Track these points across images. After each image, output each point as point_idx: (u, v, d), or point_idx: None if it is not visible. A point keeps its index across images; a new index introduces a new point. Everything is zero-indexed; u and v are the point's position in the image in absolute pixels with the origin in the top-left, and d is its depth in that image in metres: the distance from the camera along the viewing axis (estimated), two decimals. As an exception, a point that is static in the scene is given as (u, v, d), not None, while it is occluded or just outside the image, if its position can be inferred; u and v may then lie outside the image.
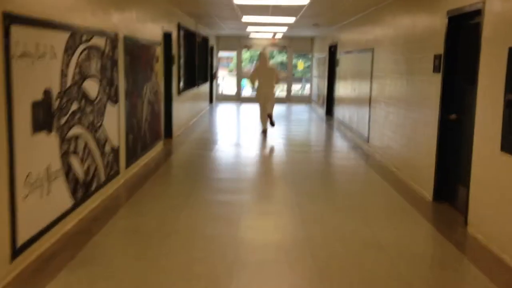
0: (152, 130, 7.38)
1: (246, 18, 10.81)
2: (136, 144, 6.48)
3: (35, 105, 3.52)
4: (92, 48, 4.68)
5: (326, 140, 10.39)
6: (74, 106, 4.26)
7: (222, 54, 22.51)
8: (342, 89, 11.48)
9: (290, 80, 18.60)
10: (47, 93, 3.70)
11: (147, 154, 7.07)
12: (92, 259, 3.55)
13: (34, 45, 3.47)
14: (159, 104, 7.93)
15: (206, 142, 9.25)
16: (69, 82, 4.12)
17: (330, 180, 6.28)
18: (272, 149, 8.65)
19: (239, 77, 18.46)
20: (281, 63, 23.64)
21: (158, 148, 7.87)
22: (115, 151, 5.51)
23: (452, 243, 4.06)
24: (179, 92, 9.91)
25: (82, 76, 4.44)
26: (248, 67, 18.20)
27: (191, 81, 12.22)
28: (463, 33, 4.90)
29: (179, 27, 9.68)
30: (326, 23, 11.52)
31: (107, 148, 5.21)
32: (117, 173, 5.59)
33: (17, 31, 3.22)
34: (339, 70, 11.93)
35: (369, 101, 8.47)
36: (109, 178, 5.31)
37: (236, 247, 3.85)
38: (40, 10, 3.64)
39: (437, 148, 5.21)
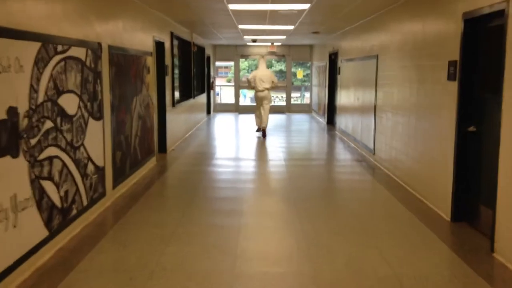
0: (143, 145, 6.89)
1: (242, 27, 10.37)
2: (125, 162, 5.98)
3: (-4, 126, 3.03)
4: (70, 59, 4.20)
5: (329, 151, 9.89)
6: (48, 125, 3.77)
7: (219, 64, 22.13)
8: (344, 98, 11.01)
9: (289, 89, 18.15)
10: (11, 111, 3.21)
11: (137, 172, 6.57)
12: (65, 304, 3.04)
13: (-6, 56, 3.00)
14: (151, 117, 7.45)
15: (202, 156, 8.76)
16: (41, 98, 3.63)
17: (336, 200, 5.76)
18: (271, 164, 8.14)
19: (237, 87, 18.00)
20: (280, 72, 23.21)
21: (150, 164, 7.37)
22: (100, 171, 5.02)
23: (479, 274, 3.55)
24: (174, 104, 9.43)
25: (58, 90, 3.96)
26: (246, 76, 17.76)
27: (187, 92, 11.75)
28: (482, 37, 4.42)
29: (172, 36, 9.23)
30: (326, 31, 11.07)
31: (90, 169, 4.71)
32: (102, 195, 5.08)
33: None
34: (341, 78, 11.46)
35: (374, 110, 7.99)
36: (93, 201, 4.80)
37: (232, 284, 3.34)
38: (3, 18, 3.16)
39: (454, 163, 4.72)
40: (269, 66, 20.72)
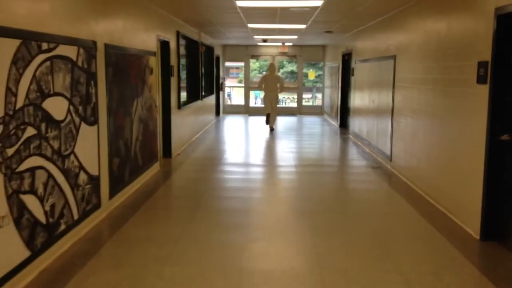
0: (145, 151, 6.48)
1: (252, 26, 9.93)
2: (124, 169, 5.57)
3: (-38, 135, 2.63)
4: (58, 59, 3.80)
5: (342, 157, 9.40)
6: (30, 132, 3.36)
7: (230, 64, 21.68)
8: (358, 100, 10.51)
9: (301, 90, 17.66)
10: (-18, 118, 2.80)
11: (138, 179, 6.16)
12: None
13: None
14: (154, 120, 7.04)
15: (209, 161, 8.32)
16: (20, 102, 3.22)
17: (351, 213, 5.27)
18: (281, 170, 7.69)
19: (247, 88, 17.56)
20: (291, 73, 22.74)
21: (153, 170, 6.96)
22: (94, 180, 4.61)
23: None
24: (180, 106, 9.02)
25: (43, 93, 3.55)
26: (258, 77, 17.30)
27: (194, 94, 11.34)
28: (519, 34, 3.93)
29: (179, 35, 8.82)
30: (339, 30, 10.59)
31: (82, 179, 4.30)
32: (96, 206, 4.67)
33: None
34: (355, 79, 10.97)
35: (391, 114, 7.49)
36: (86, 214, 4.39)
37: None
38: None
39: (484, 175, 4.23)
40: (280, 66, 20.21)
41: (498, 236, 4.20)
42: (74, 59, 4.13)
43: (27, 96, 3.31)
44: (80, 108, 4.26)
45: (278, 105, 12.79)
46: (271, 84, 12.31)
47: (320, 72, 18.55)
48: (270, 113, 12.27)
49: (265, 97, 12.52)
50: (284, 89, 12.98)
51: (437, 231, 4.57)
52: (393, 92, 7.43)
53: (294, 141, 10.94)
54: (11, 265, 3.16)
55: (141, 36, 6.38)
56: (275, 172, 7.62)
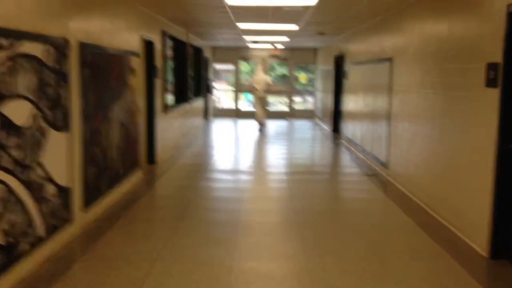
0: (126, 157, 6.05)
1: (242, 26, 9.54)
2: (101, 179, 5.14)
3: None
4: (20, 57, 3.37)
5: (335, 164, 9.03)
6: (-16, 140, 2.94)
7: (220, 66, 21.25)
8: (352, 104, 10.16)
9: (292, 94, 17.29)
10: None
11: (118, 189, 5.73)
12: None
13: None
14: (137, 125, 6.61)
15: (195, 168, 7.91)
16: (-29, 105, 2.80)
17: (347, 226, 4.88)
18: (272, 179, 7.30)
19: (237, 91, 17.15)
20: (283, 76, 22.39)
21: (135, 178, 6.53)
22: (65, 192, 4.18)
23: None
24: (165, 109, 8.60)
25: (2, 96, 3.13)
26: (247, 81, 16.89)
27: (182, 97, 10.92)
28: (533, 33, 3.59)
29: (164, 35, 8.40)
30: (332, 31, 10.24)
31: (50, 192, 3.87)
32: (67, 221, 4.24)
33: None
34: (348, 83, 10.62)
35: (388, 119, 7.14)
36: (54, 230, 3.96)
37: None
38: None
39: (493, 187, 3.87)
40: (271, 69, 19.85)
41: (509, 254, 3.84)
42: (42, 58, 3.71)
43: (-20, 99, 2.89)
44: (49, 112, 3.84)
45: (269, 109, 13.76)
46: (260, 84, 12.96)
47: (312, 75, 18.22)
48: (261, 111, 12.97)
49: (255, 96, 13.16)
50: (271, 86, 13.60)
51: (439, 246, 4.20)
52: (390, 97, 7.08)
53: (285, 146, 10.57)
54: (-41, 295, 2.74)
55: (123, 35, 5.96)
56: (265, 180, 7.22)
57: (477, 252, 4.06)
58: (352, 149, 9.78)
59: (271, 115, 16.86)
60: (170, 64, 10.14)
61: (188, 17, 8.38)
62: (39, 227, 3.69)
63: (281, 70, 23.14)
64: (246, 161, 8.90)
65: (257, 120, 13.07)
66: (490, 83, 3.91)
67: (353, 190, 6.61)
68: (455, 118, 4.67)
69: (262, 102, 13.09)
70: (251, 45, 15.39)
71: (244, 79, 18.15)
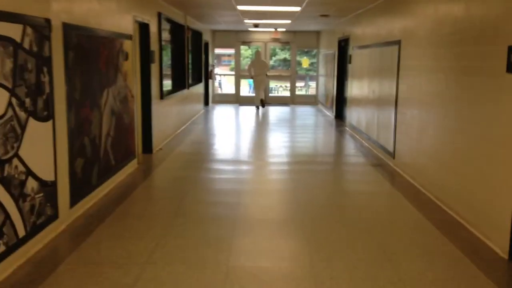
0: (119, 147, 5.71)
1: (242, 8, 9.12)
2: (91, 171, 4.81)
3: None
4: (-9, 38, 3.01)
5: (339, 152, 8.68)
6: None
7: (222, 51, 20.80)
8: (356, 89, 9.77)
9: (294, 79, 16.87)
10: None
11: (110, 181, 5.40)
12: None
13: None
14: (131, 112, 6.25)
15: (193, 157, 7.57)
16: None
17: (354, 223, 4.50)
18: (273, 169, 6.96)
19: (238, 76, 16.73)
20: (284, 60, 21.93)
21: (129, 169, 6.20)
22: (49, 187, 3.84)
23: None
24: (162, 95, 8.23)
25: (-32, 83, 2.78)
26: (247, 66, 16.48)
27: (180, 82, 10.55)
28: None
29: (160, 17, 8.00)
30: (336, 13, 9.81)
31: (31, 187, 3.54)
32: (53, 218, 3.92)
33: None
34: (352, 67, 10.22)
35: (395, 106, 6.77)
36: (36, 229, 3.64)
37: None
38: None
39: (516, 183, 3.53)
40: (273, 54, 19.41)
41: (531, 256, 3.52)
42: (18, 40, 3.34)
43: None
44: (27, 100, 3.48)
45: (270, 95, 15.18)
46: (259, 69, 14.23)
47: (314, 60, 17.78)
48: (260, 93, 14.44)
49: (254, 81, 14.51)
50: (268, 70, 15.05)
51: (454, 246, 3.87)
52: (397, 82, 6.70)
53: (287, 134, 10.20)
54: None
55: (113, 16, 5.58)
56: (266, 171, 6.88)
57: (497, 254, 3.73)
58: (357, 136, 9.42)
59: (272, 101, 16.49)
60: (168, 48, 9.75)
61: (185, -2, 7.97)
62: (19, 226, 3.37)
63: (283, 54, 22.68)
64: (246, 150, 8.56)
65: (255, 101, 14.51)
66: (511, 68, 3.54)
67: (359, 182, 6.26)
68: (472, 106, 4.30)
69: (262, 85, 14.42)
70: (252, 29, 14.96)
71: (246, 64, 17.80)
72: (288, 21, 12.06)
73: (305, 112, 14.26)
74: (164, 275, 3.28)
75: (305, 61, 18.28)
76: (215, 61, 18.32)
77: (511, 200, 3.57)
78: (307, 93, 18.75)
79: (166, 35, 9.38)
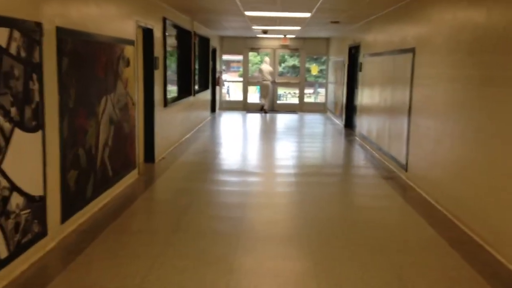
0: (117, 157, 5.46)
1: (250, 13, 8.87)
2: (85, 183, 4.55)
3: None
4: (-29, 43, 2.77)
5: (348, 163, 8.37)
6: None
7: (231, 58, 20.55)
8: (367, 98, 9.46)
9: (303, 86, 16.58)
10: None
11: (107, 193, 5.14)
12: None
13: None
14: (132, 120, 6.00)
15: (197, 168, 7.29)
16: None
17: (364, 241, 4.20)
18: (280, 181, 6.66)
19: (246, 83, 16.47)
20: (293, 67, 21.66)
21: (128, 180, 5.94)
22: (37, 203, 3.58)
23: None
24: (166, 103, 7.98)
25: None
26: (256, 72, 16.23)
27: (186, 89, 10.31)
28: None
29: (165, 23, 7.76)
30: (347, 20, 9.52)
31: (15, 203, 3.28)
32: (40, 236, 3.65)
33: None
34: (363, 75, 9.91)
35: (408, 116, 6.46)
36: (22, 248, 3.38)
37: None
38: None
39: (544, 206, 3.20)
40: (282, 61, 19.20)
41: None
42: (3, 45, 3.10)
43: None
44: (13, 110, 3.23)
45: (278, 101, 16.10)
46: (266, 75, 15.16)
47: (323, 67, 17.49)
48: (265, 99, 15.39)
49: (261, 85, 15.41)
50: (274, 76, 15.88)
51: (476, 272, 3.55)
52: (411, 91, 6.39)
53: (295, 143, 9.91)
54: None
55: (114, 21, 5.34)
56: (273, 183, 6.59)
57: (521, 281, 3.41)
58: (367, 146, 9.10)
59: (280, 108, 16.21)
60: (174, 54, 9.52)
61: (192, 3, 7.74)
62: (0, 246, 3.10)
63: (292, 61, 22.40)
64: (252, 160, 8.28)
65: (261, 102, 15.50)
66: (545, 78, 3.23)
67: (369, 196, 5.94)
68: (495, 118, 3.99)
69: (266, 89, 15.30)
70: (261, 35, 14.72)
71: (255, 70, 17.59)
72: (298, 28, 11.80)
73: (314, 120, 13.96)
74: (157, 302, 3.00)
75: (314, 68, 18.00)
76: (224, 67, 18.08)
77: (539, 224, 3.26)
78: (316, 101, 18.45)
79: (172, 41, 9.16)
